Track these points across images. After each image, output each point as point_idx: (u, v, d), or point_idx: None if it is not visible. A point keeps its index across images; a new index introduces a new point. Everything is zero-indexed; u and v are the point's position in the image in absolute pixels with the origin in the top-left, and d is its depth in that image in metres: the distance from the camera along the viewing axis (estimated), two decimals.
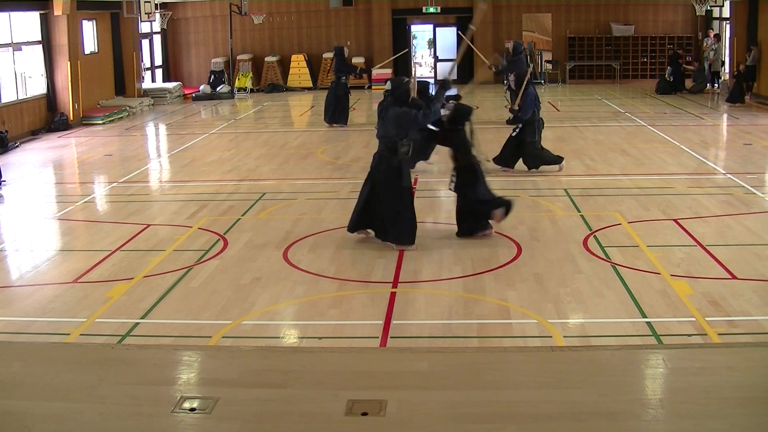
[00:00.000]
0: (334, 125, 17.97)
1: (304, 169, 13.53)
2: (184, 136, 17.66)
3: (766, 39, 20.19)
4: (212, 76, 25.79)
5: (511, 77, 13.64)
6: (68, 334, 6.73)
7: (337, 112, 18.03)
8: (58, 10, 18.58)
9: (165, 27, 26.20)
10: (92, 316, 7.11)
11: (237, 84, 25.88)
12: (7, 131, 16.70)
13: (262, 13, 26.09)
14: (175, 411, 4.19)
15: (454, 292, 7.60)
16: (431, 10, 25.32)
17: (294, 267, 8.37)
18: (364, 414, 4.12)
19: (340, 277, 8.08)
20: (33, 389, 4.52)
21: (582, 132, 16.59)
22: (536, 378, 4.57)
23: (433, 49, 28.14)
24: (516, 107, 12.44)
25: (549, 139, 13.13)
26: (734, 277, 7.70)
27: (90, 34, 21.05)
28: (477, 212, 9.21)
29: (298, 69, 26.60)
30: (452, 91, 9.86)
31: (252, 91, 26.21)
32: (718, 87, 23.21)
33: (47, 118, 19.05)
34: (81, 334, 6.73)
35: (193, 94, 24.81)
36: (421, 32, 27.55)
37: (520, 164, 12.65)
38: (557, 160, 12.62)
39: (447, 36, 26.91)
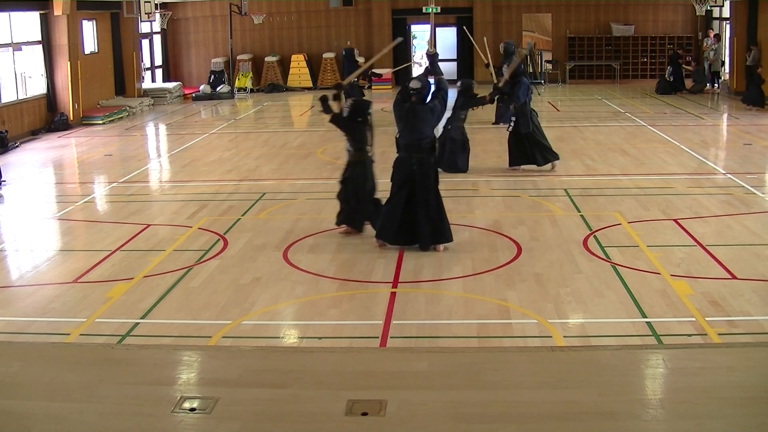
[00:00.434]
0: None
1: (304, 169, 13.54)
2: (184, 136, 17.66)
3: (766, 39, 20.19)
4: (212, 76, 25.77)
5: (505, 66, 14.27)
6: (68, 334, 6.73)
7: None
8: (58, 10, 18.57)
9: (165, 27, 26.20)
10: (92, 316, 7.12)
11: (237, 84, 25.87)
12: (7, 131, 16.70)
13: (262, 13, 26.08)
14: (175, 411, 4.19)
15: (454, 292, 7.60)
16: (431, 10, 25.27)
17: (294, 267, 8.37)
18: (364, 414, 4.12)
19: (340, 277, 8.09)
20: (33, 389, 4.52)
21: (582, 132, 16.59)
22: (536, 378, 4.56)
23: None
24: (500, 84, 12.50)
25: (549, 139, 13.16)
26: (734, 277, 7.70)
27: (90, 34, 21.05)
28: (354, 209, 9.26)
29: (298, 69, 26.58)
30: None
31: (252, 91, 26.19)
32: (718, 87, 23.21)
33: (47, 118, 19.05)
34: (81, 334, 6.73)
35: (193, 94, 24.80)
36: (421, 32, 27.54)
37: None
38: (554, 156, 12.70)
39: (447, 36, 26.91)
